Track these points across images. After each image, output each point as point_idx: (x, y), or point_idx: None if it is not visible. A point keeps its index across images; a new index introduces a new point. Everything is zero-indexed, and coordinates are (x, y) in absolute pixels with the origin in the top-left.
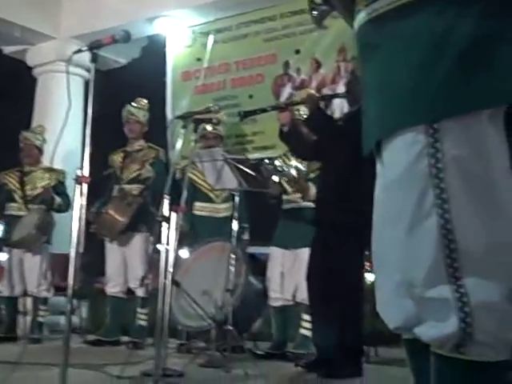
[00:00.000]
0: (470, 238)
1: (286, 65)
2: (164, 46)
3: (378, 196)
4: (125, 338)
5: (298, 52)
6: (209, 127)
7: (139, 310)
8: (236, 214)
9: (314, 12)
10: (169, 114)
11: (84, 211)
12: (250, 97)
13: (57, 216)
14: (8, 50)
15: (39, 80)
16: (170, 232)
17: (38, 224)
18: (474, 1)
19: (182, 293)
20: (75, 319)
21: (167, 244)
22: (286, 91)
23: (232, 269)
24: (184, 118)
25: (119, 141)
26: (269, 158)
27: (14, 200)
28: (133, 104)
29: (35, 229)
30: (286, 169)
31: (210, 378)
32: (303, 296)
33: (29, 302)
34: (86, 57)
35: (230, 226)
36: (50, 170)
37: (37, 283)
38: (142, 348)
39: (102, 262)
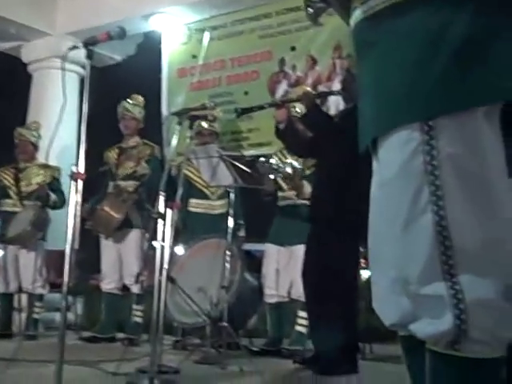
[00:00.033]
0: (465, 235)
1: (282, 62)
2: (159, 43)
3: (374, 193)
4: (120, 335)
5: (293, 49)
6: (204, 124)
7: (134, 306)
8: (231, 211)
9: (310, 9)
10: (164, 111)
11: (79, 208)
12: (246, 93)
13: (52, 212)
14: (3, 46)
15: (34, 76)
16: (165, 229)
17: (34, 220)
18: None
19: (177, 289)
20: (70, 316)
21: (162, 241)
22: (282, 88)
23: (227, 265)
24: (179, 114)
25: (114, 137)
26: (264, 156)
27: (9, 196)
28: (128, 100)
29: (30, 225)
30: (281, 166)
31: (206, 374)
32: (298, 293)
33: (24, 298)
34: (81, 53)
35: (226, 222)
36: (45, 166)
37: (32, 280)
38: (138, 345)
39: (98, 259)
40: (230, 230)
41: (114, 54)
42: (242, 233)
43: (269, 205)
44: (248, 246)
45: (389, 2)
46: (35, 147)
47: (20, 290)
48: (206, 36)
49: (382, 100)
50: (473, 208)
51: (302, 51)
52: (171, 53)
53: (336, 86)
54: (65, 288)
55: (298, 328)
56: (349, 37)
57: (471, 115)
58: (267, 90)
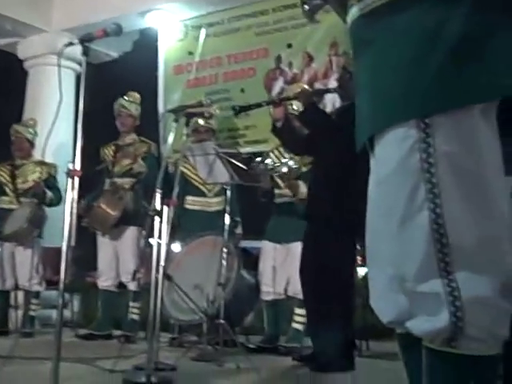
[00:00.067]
0: (462, 232)
1: (278, 59)
2: (156, 40)
3: (371, 191)
4: (117, 332)
5: (289, 46)
6: (201, 121)
7: (131, 303)
8: (228, 208)
9: (306, 6)
10: (161, 108)
11: (76, 205)
12: (242, 91)
13: (48, 209)
14: None
15: (30, 73)
16: (161, 226)
17: (30, 217)
18: None
19: (173, 287)
20: (67, 313)
21: (159, 238)
22: (278, 85)
23: (224, 263)
24: (176, 111)
25: (111, 134)
26: (261, 153)
27: (5, 193)
28: (125, 97)
29: (27, 222)
30: (277, 166)
31: (202, 371)
32: (295, 290)
33: (20, 295)
34: (77, 50)
35: (222, 220)
36: (42, 163)
37: (28, 277)
38: (134, 342)
39: (94, 256)
40: (226, 228)
41: (110, 50)
42: (238, 230)
43: (265, 202)
44: (245, 244)
45: (385, 0)
46: (31, 144)
47: (16, 287)
48: (203, 33)
49: (379, 97)
50: (469, 206)
51: (299, 48)
52: (167, 49)
53: (332, 83)
54: (61, 285)
55: (295, 325)
56: (345, 34)
57: (467, 113)
58: (263, 87)
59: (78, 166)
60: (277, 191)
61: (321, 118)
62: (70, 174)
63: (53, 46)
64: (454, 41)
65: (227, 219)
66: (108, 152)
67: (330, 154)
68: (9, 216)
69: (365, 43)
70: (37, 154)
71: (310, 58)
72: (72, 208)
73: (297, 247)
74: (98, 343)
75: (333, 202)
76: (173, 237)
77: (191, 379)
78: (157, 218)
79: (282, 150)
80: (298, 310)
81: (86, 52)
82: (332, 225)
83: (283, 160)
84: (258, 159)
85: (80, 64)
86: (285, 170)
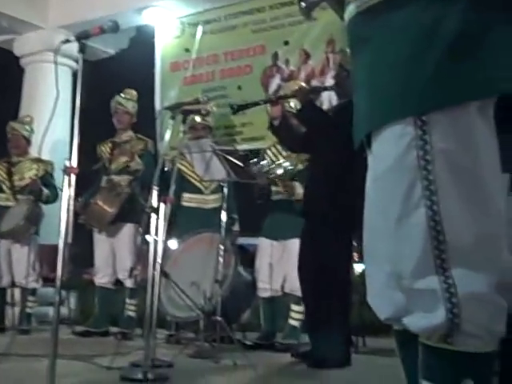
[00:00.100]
0: (458, 229)
1: (275, 56)
2: (152, 37)
3: (369, 187)
4: (114, 329)
5: (286, 43)
6: (198, 118)
7: (128, 300)
8: (225, 205)
9: (303, 3)
10: (157, 105)
11: (72, 202)
12: (239, 88)
13: (45, 207)
14: None
15: (27, 70)
16: (158, 223)
17: (27, 215)
18: None
19: (170, 284)
20: (64, 310)
21: (156, 235)
22: (275, 82)
23: (221, 260)
24: (173, 108)
25: (107, 131)
26: (257, 151)
27: (1, 190)
28: (121, 95)
29: (24, 219)
30: (272, 168)
31: (199, 368)
32: (292, 287)
33: (17, 292)
34: (74, 47)
35: (219, 217)
36: (38, 160)
37: (25, 274)
38: (131, 339)
39: (91, 253)
40: (223, 225)
41: (106, 47)
42: (235, 227)
43: (262, 201)
44: (241, 240)
45: None
46: (28, 141)
47: (13, 285)
48: (199, 30)
49: (376, 95)
50: (466, 203)
51: (296, 45)
52: (164, 47)
53: (329, 80)
54: (58, 282)
55: (292, 322)
56: (342, 31)
57: (464, 110)
58: (260, 84)
59: (74, 163)
60: (273, 188)
61: (318, 115)
62: (67, 171)
63: (49, 43)
64: (451, 38)
65: (224, 216)
66: (105, 149)
67: (327, 151)
68: (6, 213)
69: (362, 41)
70: (33, 151)
71: (307, 56)
72: (69, 205)
73: (293, 244)
74: (95, 340)
75: (330, 199)
76: (169, 234)
77: (188, 376)
78: (153, 215)
79: (279, 147)
80: (294, 307)
81: (82, 49)
82: (329, 222)
83: (278, 162)
84: (254, 160)
85: (76, 61)
86: (280, 171)
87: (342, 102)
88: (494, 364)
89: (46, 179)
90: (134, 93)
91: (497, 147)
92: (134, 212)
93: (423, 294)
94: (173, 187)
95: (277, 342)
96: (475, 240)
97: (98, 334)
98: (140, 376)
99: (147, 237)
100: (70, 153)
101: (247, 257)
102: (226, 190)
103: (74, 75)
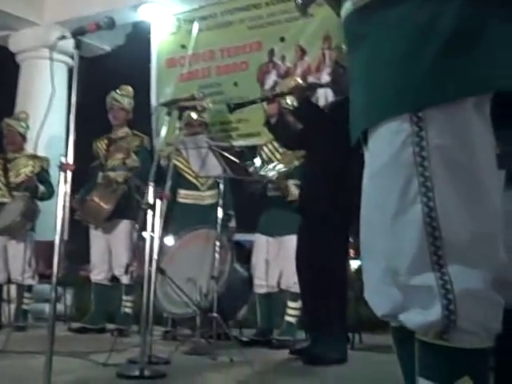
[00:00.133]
0: (454, 226)
1: (271, 52)
2: (148, 33)
3: (365, 184)
4: (110, 326)
5: (282, 40)
6: (193, 114)
7: (124, 297)
8: (221, 202)
9: (299, 0)
10: (153, 101)
11: (68, 198)
12: (235, 84)
13: (41, 203)
14: None
15: (22, 66)
16: (154, 219)
17: (24, 211)
18: None
19: (167, 280)
20: (60, 307)
21: (152, 231)
22: (271, 79)
23: (217, 256)
24: (169, 105)
25: (103, 128)
26: (254, 147)
27: None
28: (117, 91)
29: (20, 216)
30: (266, 171)
31: (196, 365)
32: (288, 283)
33: (13, 289)
34: (69, 43)
35: (215, 213)
36: (34, 157)
37: (21, 270)
38: (128, 335)
39: (87, 250)
40: (219, 221)
41: (102, 44)
42: (232, 223)
43: (258, 195)
44: (238, 237)
45: None
46: (23, 138)
47: (9, 281)
48: (196, 26)
49: (373, 91)
50: (462, 199)
51: (292, 42)
52: (160, 43)
53: (325, 76)
54: (54, 279)
55: (288, 318)
56: (338, 28)
57: (460, 106)
58: (256, 81)
59: (70, 160)
60: (269, 185)
61: (315, 112)
62: (63, 167)
63: (45, 39)
64: (447, 34)
65: (220, 212)
66: (101, 145)
67: (323, 148)
68: (1, 210)
69: (358, 38)
70: (29, 148)
71: (303, 52)
72: (64, 202)
73: (290, 240)
74: (91, 337)
75: (327, 196)
76: (166, 230)
77: (184, 372)
78: (150, 212)
79: (275, 144)
80: (290, 303)
81: (78, 45)
82: (326, 218)
83: (271, 165)
84: (248, 162)
85: (72, 57)
86: (272, 174)
87: (339, 98)
88: (489, 360)
89: (42, 176)
90: (130, 89)
91: (493, 144)
92: (130, 208)
93: (419, 290)
94: (169, 183)
95: (273, 338)
96: (471, 236)
97: (95, 330)
98: (136, 373)
99: (143, 233)
100: (66, 149)
101: (243, 253)
102: (221, 187)
103: (70, 71)
